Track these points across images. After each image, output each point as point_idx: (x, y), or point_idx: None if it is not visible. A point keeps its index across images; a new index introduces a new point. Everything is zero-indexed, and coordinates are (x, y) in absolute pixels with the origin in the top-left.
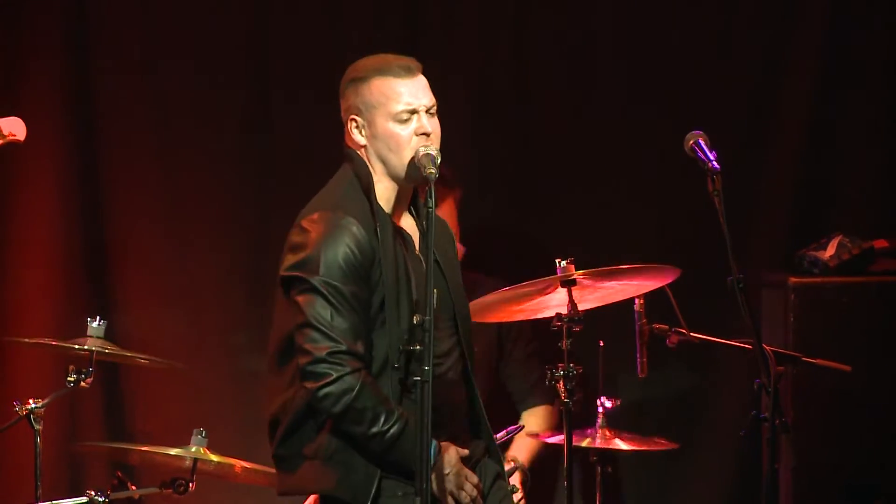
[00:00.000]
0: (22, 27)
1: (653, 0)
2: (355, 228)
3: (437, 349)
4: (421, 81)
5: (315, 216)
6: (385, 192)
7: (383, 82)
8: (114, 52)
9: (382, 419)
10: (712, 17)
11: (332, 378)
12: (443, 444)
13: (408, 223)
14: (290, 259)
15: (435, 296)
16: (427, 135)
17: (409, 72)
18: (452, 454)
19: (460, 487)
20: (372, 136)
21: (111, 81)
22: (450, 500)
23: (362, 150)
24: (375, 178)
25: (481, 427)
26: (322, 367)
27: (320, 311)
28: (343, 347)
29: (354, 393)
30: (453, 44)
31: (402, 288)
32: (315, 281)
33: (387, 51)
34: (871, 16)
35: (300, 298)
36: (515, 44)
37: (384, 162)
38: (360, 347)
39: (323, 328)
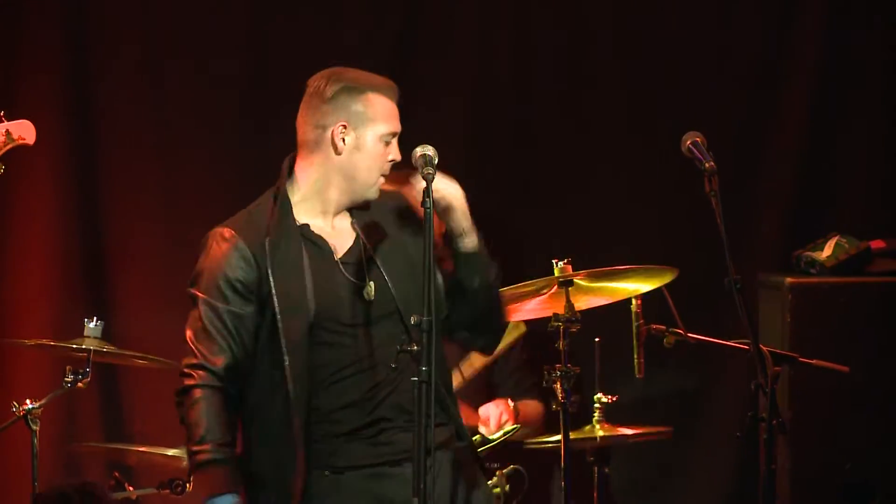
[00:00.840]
0: (21, 27)
1: (652, 0)
2: (240, 243)
3: (374, 341)
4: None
5: (209, 233)
6: (325, 204)
7: (378, 100)
8: (113, 52)
9: (197, 439)
10: (712, 17)
11: (181, 388)
12: None
13: (343, 225)
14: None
15: (372, 288)
16: (396, 161)
17: (394, 95)
18: None
19: None
20: (355, 148)
21: (110, 81)
22: None
23: (333, 158)
24: (318, 186)
25: (445, 413)
26: (182, 378)
27: (193, 326)
28: (198, 361)
29: (188, 404)
30: (453, 44)
31: (299, 299)
32: (198, 297)
33: (386, 51)
34: (871, 16)
35: (190, 313)
36: (515, 44)
37: (353, 176)
38: (217, 363)
39: (191, 343)
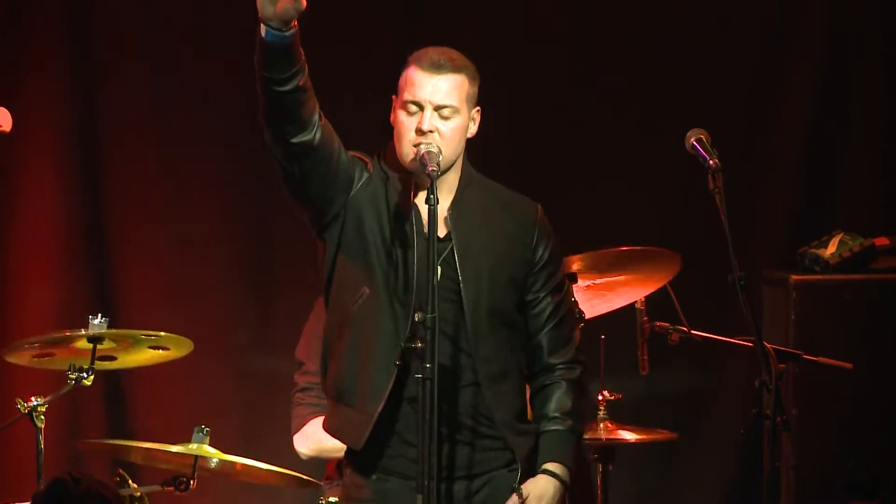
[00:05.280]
0: (23, 24)
1: (654, 0)
2: (369, 164)
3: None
4: (444, 80)
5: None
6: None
7: (410, 71)
8: (117, 46)
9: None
10: (713, 16)
11: None
12: None
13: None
14: None
15: (439, 272)
16: (422, 131)
17: (435, 69)
18: None
19: None
20: (393, 119)
21: (112, 79)
22: None
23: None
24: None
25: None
26: None
27: None
28: None
29: None
30: (453, 44)
31: (365, 246)
32: None
33: (385, 51)
34: (870, 16)
35: None
36: (515, 42)
37: (397, 147)
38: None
39: None
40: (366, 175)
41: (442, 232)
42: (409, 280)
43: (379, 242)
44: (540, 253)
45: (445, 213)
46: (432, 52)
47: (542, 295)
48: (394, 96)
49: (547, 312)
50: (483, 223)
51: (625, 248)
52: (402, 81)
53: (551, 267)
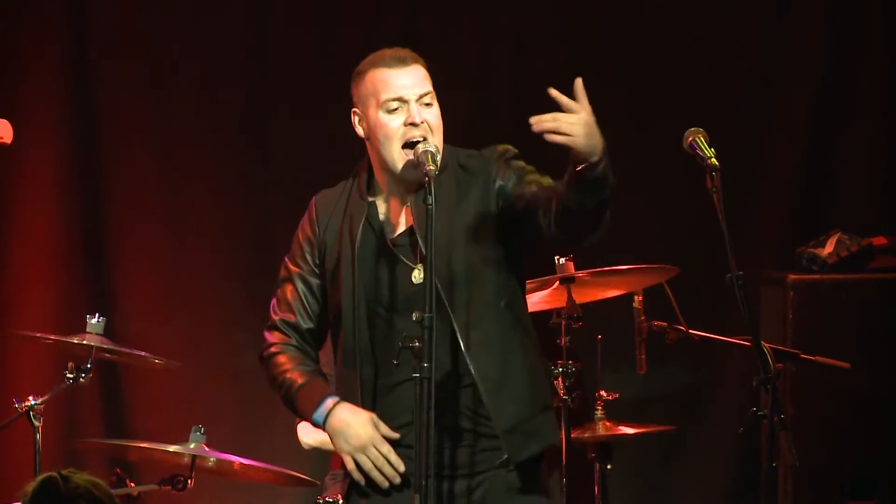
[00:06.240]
0: (22, 25)
1: (653, 0)
2: (314, 205)
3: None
4: (414, 72)
5: None
6: (381, 185)
7: (375, 74)
8: (115, 49)
9: (284, 379)
10: (713, 17)
11: (262, 355)
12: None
13: (403, 205)
14: None
15: (420, 271)
16: (415, 124)
17: (400, 62)
18: (344, 410)
19: (361, 449)
20: (368, 128)
21: (112, 81)
22: (349, 461)
23: (367, 142)
24: (374, 171)
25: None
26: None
27: (276, 289)
28: (274, 320)
29: (271, 366)
30: (453, 44)
31: (344, 272)
32: (284, 261)
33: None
34: (870, 16)
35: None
36: (515, 44)
37: (380, 153)
38: (291, 317)
39: (271, 307)
40: (316, 239)
41: (406, 233)
42: (378, 316)
43: (350, 283)
44: (497, 177)
45: (409, 214)
46: (388, 52)
47: (522, 188)
48: (354, 110)
49: (534, 186)
50: (452, 213)
51: (623, 267)
52: (366, 89)
53: (510, 170)
